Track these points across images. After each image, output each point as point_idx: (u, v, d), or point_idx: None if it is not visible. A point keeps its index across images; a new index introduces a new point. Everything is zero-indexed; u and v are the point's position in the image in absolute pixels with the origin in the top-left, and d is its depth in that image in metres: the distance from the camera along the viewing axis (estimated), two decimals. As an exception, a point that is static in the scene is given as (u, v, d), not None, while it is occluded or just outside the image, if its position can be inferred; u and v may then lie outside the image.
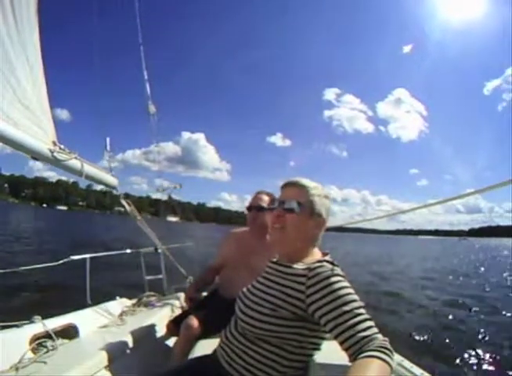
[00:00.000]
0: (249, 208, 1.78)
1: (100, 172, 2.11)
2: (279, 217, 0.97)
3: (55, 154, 1.68)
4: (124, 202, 2.49)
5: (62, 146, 1.77)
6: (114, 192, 2.38)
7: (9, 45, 1.55)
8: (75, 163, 1.82)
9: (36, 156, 1.61)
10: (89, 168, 1.95)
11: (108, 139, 2.38)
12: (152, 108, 2.99)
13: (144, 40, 3.04)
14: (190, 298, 1.76)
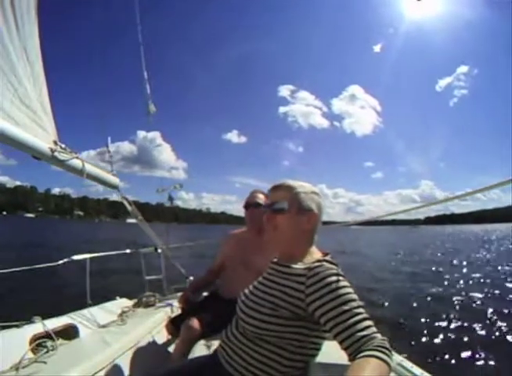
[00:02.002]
0: (246, 207, 1.78)
1: (101, 172, 2.11)
2: (270, 219, 1.01)
3: (56, 154, 1.68)
4: (125, 202, 2.49)
5: (63, 146, 1.77)
6: (116, 192, 2.36)
7: (9, 44, 1.55)
8: (76, 162, 1.81)
9: (37, 155, 1.60)
10: (90, 168, 1.94)
11: (109, 139, 2.37)
12: (152, 108, 2.98)
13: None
14: (185, 300, 1.75)
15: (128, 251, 2.80)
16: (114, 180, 2.26)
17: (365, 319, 0.77)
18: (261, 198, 1.73)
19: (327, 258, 0.96)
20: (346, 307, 0.77)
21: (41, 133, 1.70)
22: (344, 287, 0.82)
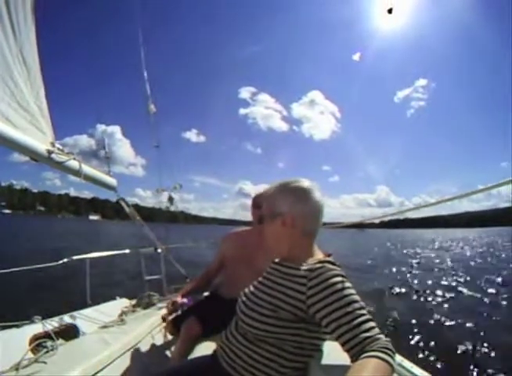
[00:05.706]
0: (257, 207, 1.77)
1: (99, 173, 2.11)
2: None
3: (53, 155, 1.68)
4: (123, 203, 2.49)
5: (60, 147, 1.77)
6: (114, 193, 2.36)
7: (5, 47, 1.55)
8: (73, 164, 1.82)
9: (34, 156, 1.61)
10: (87, 169, 1.94)
11: (106, 140, 2.37)
12: (152, 108, 2.97)
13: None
14: (174, 302, 1.65)
15: (127, 251, 2.80)
16: (112, 181, 2.26)
17: (368, 320, 0.76)
18: None
19: (329, 258, 0.95)
20: (349, 308, 0.77)
21: (38, 135, 1.71)
22: (346, 288, 0.81)
